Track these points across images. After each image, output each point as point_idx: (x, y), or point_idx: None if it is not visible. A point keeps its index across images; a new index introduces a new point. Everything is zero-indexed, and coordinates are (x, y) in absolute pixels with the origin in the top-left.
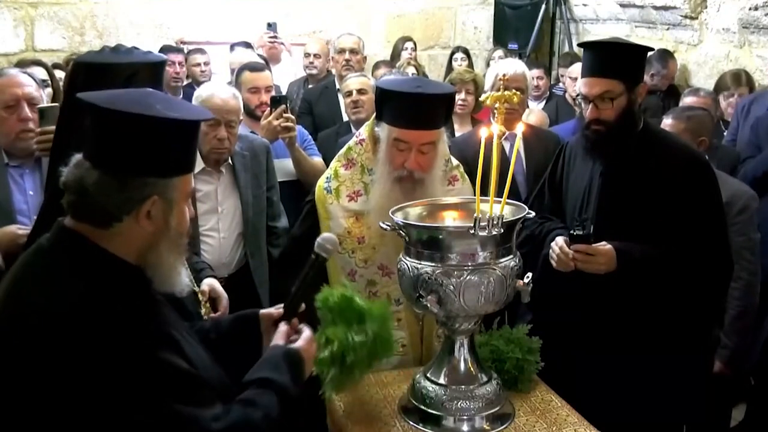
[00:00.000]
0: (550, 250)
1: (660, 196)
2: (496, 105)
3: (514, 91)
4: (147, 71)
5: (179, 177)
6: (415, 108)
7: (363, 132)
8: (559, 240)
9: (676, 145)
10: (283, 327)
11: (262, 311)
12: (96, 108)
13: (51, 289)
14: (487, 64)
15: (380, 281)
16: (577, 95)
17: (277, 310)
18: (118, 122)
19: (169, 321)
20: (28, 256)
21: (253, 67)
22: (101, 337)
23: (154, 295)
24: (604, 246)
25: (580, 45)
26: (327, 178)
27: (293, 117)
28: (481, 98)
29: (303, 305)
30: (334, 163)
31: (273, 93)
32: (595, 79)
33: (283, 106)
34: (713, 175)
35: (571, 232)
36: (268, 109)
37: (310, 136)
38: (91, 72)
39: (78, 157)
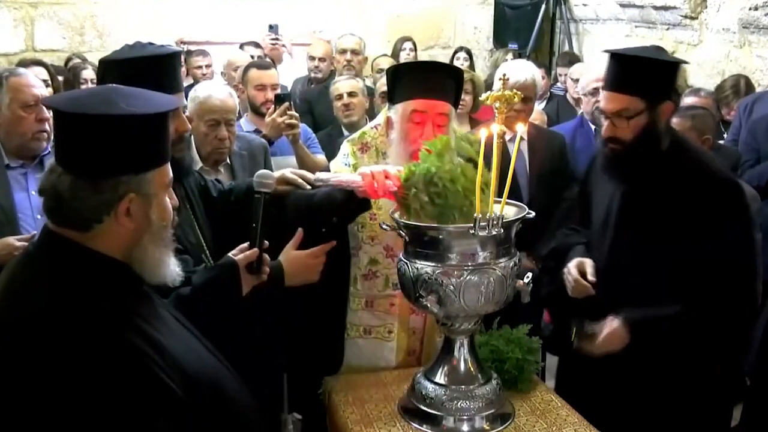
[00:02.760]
0: (565, 274)
1: (682, 224)
2: (497, 104)
3: (515, 91)
4: (163, 64)
5: (154, 170)
6: (428, 77)
7: (379, 119)
8: (573, 269)
9: (707, 169)
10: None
11: (239, 258)
12: (58, 112)
13: (38, 294)
14: (495, 65)
15: (383, 261)
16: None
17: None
18: (82, 125)
19: (160, 316)
20: (16, 261)
21: (260, 65)
22: (90, 345)
23: (144, 290)
24: (612, 327)
25: (607, 52)
26: (344, 155)
27: (297, 115)
28: (481, 97)
29: (266, 243)
30: (348, 146)
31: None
32: (613, 94)
33: (286, 104)
34: (744, 204)
35: (577, 329)
36: (273, 106)
37: (313, 135)
38: (118, 68)
39: (52, 161)
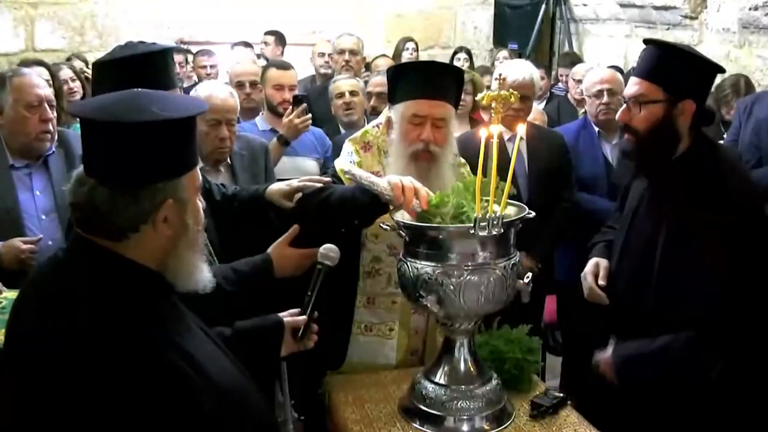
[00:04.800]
0: (582, 278)
1: (692, 240)
2: (493, 105)
3: (511, 91)
4: (155, 61)
5: (187, 174)
6: (428, 77)
7: (381, 118)
8: (589, 275)
9: (727, 182)
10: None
11: (287, 320)
12: (91, 122)
13: (77, 309)
14: (492, 65)
15: (386, 260)
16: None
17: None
18: (119, 133)
19: (189, 328)
20: (45, 269)
21: (279, 65)
22: (132, 363)
23: (173, 300)
24: (603, 360)
25: (644, 41)
26: (348, 153)
27: (309, 116)
28: (477, 97)
29: (316, 312)
30: (351, 145)
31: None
32: (636, 79)
33: (304, 105)
34: (763, 228)
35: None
36: (291, 107)
37: (330, 143)
38: (111, 69)
39: (80, 172)
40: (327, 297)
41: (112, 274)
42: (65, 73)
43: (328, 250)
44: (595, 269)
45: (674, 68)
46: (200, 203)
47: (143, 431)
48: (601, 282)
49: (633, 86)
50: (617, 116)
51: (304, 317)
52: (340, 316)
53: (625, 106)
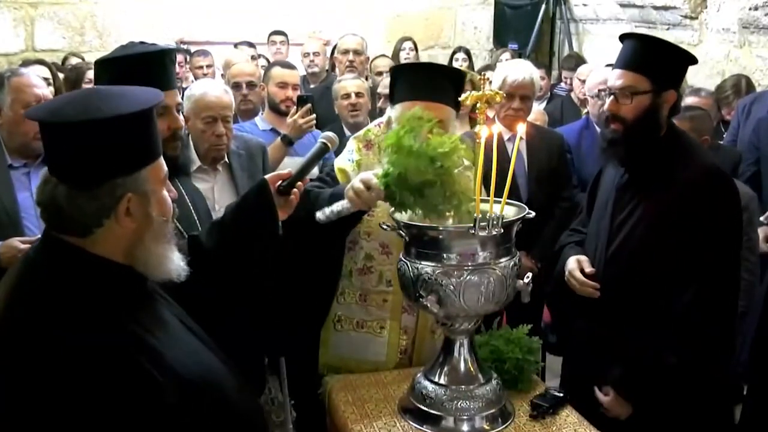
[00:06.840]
0: (567, 277)
1: (673, 213)
2: (478, 104)
3: (495, 90)
4: (154, 61)
5: (148, 167)
6: (426, 79)
7: (384, 117)
8: (574, 269)
9: (699, 160)
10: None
11: (269, 176)
12: (43, 124)
13: (37, 303)
14: (494, 66)
15: (377, 258)
16: (603, 90)
17: (281, 174)
18: (67, 134)
19: (160, 319)
20: (18, 267)
21: (283, 64)
22: (86, 355)
23: (147, 291)
24: (607, 402)
25: (621, 36)
26: (350, 151)
27: (314, 116)
28: (461, 98)
29: (302, 182)
30: (354, 143)
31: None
32: (621, 71)
33: (308, 105)
34: (733, 195)
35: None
36: (295, 107)
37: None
38: (110, 67)
39: (45, 171)
40: (303, 294)
41: (77, 271)
42: (92, 73)
43: (333, 135)
44: (578, 264)
45: (659, 59)
46: (169, 193)
47: (102, 428)
48: (588, 271)
49: (620, 78)
50: (605, 107)
51: (289, 170)
52: (312, 313)
53: (612, 97)
